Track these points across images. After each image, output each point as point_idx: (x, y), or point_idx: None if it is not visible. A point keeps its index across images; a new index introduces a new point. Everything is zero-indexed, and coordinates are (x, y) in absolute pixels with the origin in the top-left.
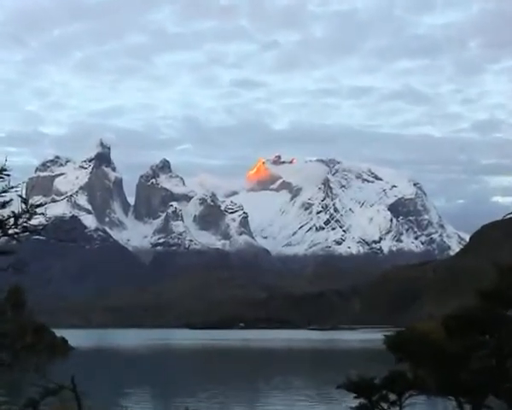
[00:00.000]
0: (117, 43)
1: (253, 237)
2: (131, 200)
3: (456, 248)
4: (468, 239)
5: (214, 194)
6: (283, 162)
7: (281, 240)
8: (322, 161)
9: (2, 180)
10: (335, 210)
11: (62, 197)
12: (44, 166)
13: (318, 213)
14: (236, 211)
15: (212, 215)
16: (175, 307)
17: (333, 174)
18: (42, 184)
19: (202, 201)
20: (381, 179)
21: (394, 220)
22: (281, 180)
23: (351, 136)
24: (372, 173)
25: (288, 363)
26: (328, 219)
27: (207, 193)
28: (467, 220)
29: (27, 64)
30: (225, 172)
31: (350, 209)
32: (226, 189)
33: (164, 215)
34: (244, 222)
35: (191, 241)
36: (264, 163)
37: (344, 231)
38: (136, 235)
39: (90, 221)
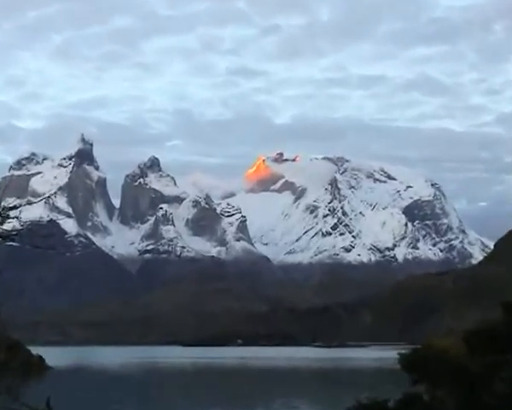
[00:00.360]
0: (100, 27)
1: (252, 244)
2: (116, 202)
3: (478, 255)
4: (492, 246)
5: (209, 195)
6: (286, 160)
7: (283, 247)
8: (328, 158)
9: None
10: (344, 213)
11: (39, 199)
12: (19, 164)
13: (325, 216)
14: (234, 214)
15: (206, 219)
16: (165, 321)
17: (341, 173)
18: (16, 185)
19: (196, 203)
20: (394, 179)
21: (410, 225)
22: (283, 180)
23: (361, 131)
24: (385, 173)
25: (290, 384)
26: (335, 224)
27: (201, 194)
28: (490, 225)
29: None
30: (221, 171)
31: (360, 213)
32: (222, 189)
33: (153, 219)
34: (242, 227)
35: (183, 248)
36: (264, 161)
37: (353, 236)
38: (122, 241)
39: (70, 226)
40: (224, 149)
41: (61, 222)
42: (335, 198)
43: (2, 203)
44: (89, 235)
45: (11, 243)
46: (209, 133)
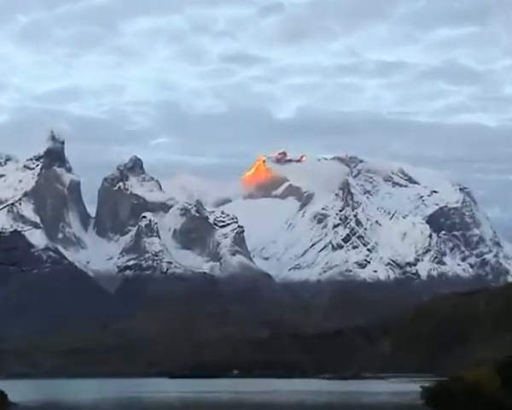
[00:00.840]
0: (73, 5)
1: (250, 258)
2: (92, 210)
3: None
4: None
5: (200, 202)
6: (290, 161)
7: (286, 262)
8: (339, 159)
9: None
10: (357, 223)
11: (1, 207)
12: None
13: (335, 226)
14: (229, 224)
15: (197, 230)
16: (148, 349)
17: (354, 176)
18: None
19: (184, 211)
20: (416, 183)
21: (434, 236)
22: (286, 184)
23: (377, 126)
24: (405, 175)
25: None
26: (348, 235)
27: (191, 201)
28: None
29: None
30: (214, 174)
31: (376, 222)
32: (216, 195)
33: (134, 230)
34: (239, 239)
35: (170, 263)
36: (264, 162)
37: (369, 250)
38: (99, 256)
39: (37, 238)
40: (218, 148)
41: (26, 234)
42: (348, 205)
43: None
44: (59, 248)
45: None
46: (200, 129)
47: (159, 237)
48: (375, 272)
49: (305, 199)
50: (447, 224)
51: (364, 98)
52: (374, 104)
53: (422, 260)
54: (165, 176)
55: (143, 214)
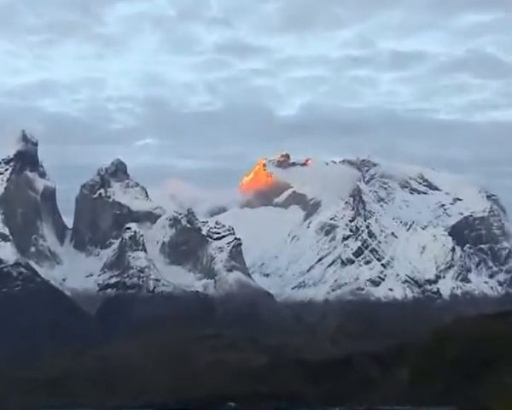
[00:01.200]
0: None
1: (249, 275)
2: (69, 221)
3: None
4: None
5: (191, 211)
6: (293, 164)
7: (290, 279)
8: (350, 162)
9: None
10: (370, 235)
11: None
12: None
13: (345, 239)
14: (224, 236)
15: (188, 243)
16: (133, 378)
17: (366, 182)
18: None
19: (174, 221)
20: (437, 189)
21: (458, 250)
22: (290, 191)
23: (392, 125)
24: (424, 181)
25: None
26: (359, 249)
27: (181, 210)
28: None
29: None
30: (208, 180)
31: (392, 234)
32: (209, 203)
33: (117, 243)
34: (236, 253)
35: (157, 281)
36: (265, 166)
37: (383, 265)
38: (77, 272)
39: (6, 252)
40: (212, 150)
41: None
42: (359, 215)
43: None
44: (32, 264)
45: None
46: (191, 129)
47: (145, 250)
48: (391, 290)
49: (310, 208)
50: (472, 236)
51: (378, 93)
52: (388, 100)
53: (444, 277)
54: (153, 182)
55: (127, 225)
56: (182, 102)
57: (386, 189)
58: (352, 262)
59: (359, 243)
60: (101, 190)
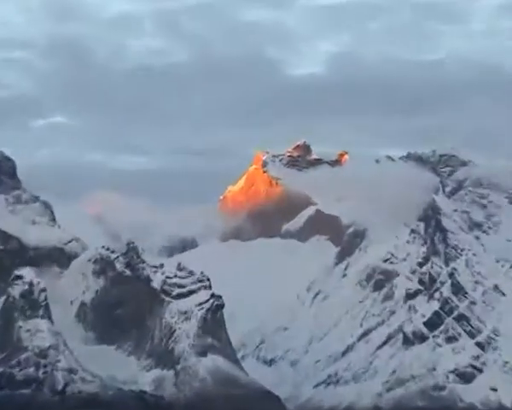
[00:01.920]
0: None
1: (236, 362)
2: None
3: None
4: None
5: (134, 246)
6: (317, 162)
7: (311, 370)
8: (419, 158)
9: None
10: (457, 290)
11: None
12: None
13: (410, 297)
14: (194, 292)
15: (128, 303)
16: None
17: (449, 194)
18: None
19: (102, 264)
20: None
21: None
22: (311, 209)
23: (496, 93)
24: None
25: None
26: (437, 315)
27: (116, 244)
28: None
29: None
30: (164, 189)
31: (495, 287)
32: (167, 232)
33: (0, 302)
34: (214, 322)
35: (71, 372)
36: (265, 164)
37: (480, 344)
38: None
39: None
40: (173, 138)
41: None
42: (436, 254)
43: None
44: None
45: None
46: (135, 99)
47: (49, 318)
48: (494, 391)
49: (348, 241)
50: None
51: (467, 36)
52: (489, 46)
53: None
54: (65, 193)
55: (17, 273)
56: (115, 51)
57: (485, 206)
58: (424, 339)
59: (436, 306)
60: None
